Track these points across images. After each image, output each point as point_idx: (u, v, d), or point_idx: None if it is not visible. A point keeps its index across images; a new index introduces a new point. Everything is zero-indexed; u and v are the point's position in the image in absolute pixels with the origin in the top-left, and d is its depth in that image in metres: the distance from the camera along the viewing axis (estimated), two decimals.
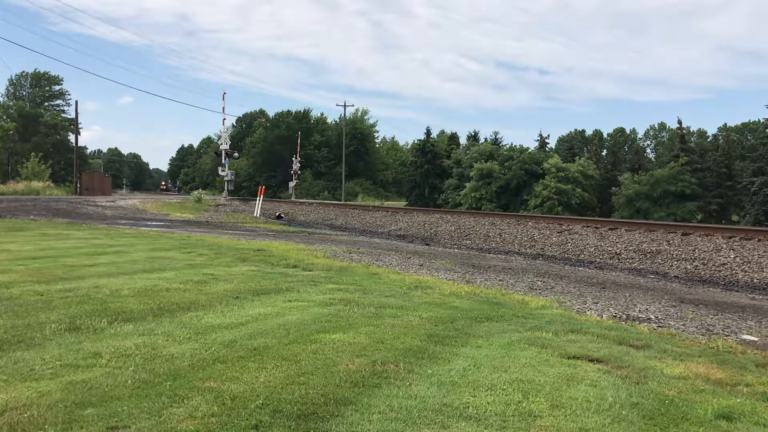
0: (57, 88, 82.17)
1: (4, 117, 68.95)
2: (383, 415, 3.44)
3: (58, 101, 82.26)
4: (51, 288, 6.99)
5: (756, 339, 6.29)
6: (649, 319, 7.16)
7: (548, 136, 74.80)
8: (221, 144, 49.71)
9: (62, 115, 75.86)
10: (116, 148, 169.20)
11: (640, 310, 7.75)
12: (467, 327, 5.89)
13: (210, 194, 59.95)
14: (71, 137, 66.04)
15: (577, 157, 50.62)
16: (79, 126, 62.13)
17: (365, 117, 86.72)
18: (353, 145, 73.93)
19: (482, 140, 60.82)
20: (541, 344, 5.22)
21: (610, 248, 19.05)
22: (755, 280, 14.27)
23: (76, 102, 59.34)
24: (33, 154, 53.34)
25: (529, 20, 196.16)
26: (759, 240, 16.81)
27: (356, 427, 3.28)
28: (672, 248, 17.76)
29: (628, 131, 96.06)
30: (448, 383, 4.06)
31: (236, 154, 61.91)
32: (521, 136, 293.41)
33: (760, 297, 11.33)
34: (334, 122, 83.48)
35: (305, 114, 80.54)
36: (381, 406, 3.57)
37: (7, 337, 4.81)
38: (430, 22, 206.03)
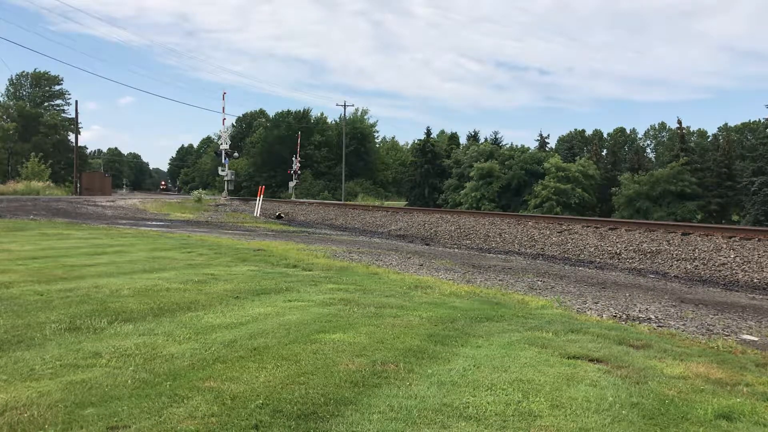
0: (57, 88, 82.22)
1: (4, 117, 68.87)
2: (383, 415, 3.44)
3: (58, 101, 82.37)
4: (51, 288, 6.99)
5: (756, 339, 6.29)
6: (649, 318, 7.16)
7: (548, 136, 74.88)
8: (221, 144, 49.73)
9: (62, 115, 75.88)
10: (116, 148, 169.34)
11: (640, 310, 7.75)
12: (467, 327, 5.89)
13: (210, 194, 59.92)
14: (71, 137, 66.08)
15: (577, 157, 50.66)
16: (79, 126, 62.22)
17: (365, 117, 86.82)
18: (353, 145, 73.94)
19: (482, 140, 60.90)
20: (541, 344, 5.22)
21: (610, 248, 19.05)
22: (755, 280, 14.27)
23: (76, 102, 59.40)
24: (33, 154, 53.36)
25: (529, 20, 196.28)
26: (759, 240, 16.81)
27: (356, 427, 3.28)
28: (672, 248, 17.76)
29: (628, 131, 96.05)
30: (448, 383, 4.06)
31: (236, 154, 61.97)
32: (521, 136, 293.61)
33: (760, 297, 11.33)
34: (334, 122, 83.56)
35: (305, 114, 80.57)
36: (381, 406, 3.57)
37: (7, 337, 4.81)
38: (430, 22, 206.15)
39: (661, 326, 6.69)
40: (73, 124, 61.77)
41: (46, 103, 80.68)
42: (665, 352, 5.19)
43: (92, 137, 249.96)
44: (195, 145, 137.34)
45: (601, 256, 18.50)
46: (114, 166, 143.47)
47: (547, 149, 55.75)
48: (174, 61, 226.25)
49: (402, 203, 58.89)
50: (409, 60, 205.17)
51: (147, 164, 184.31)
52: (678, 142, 46.59)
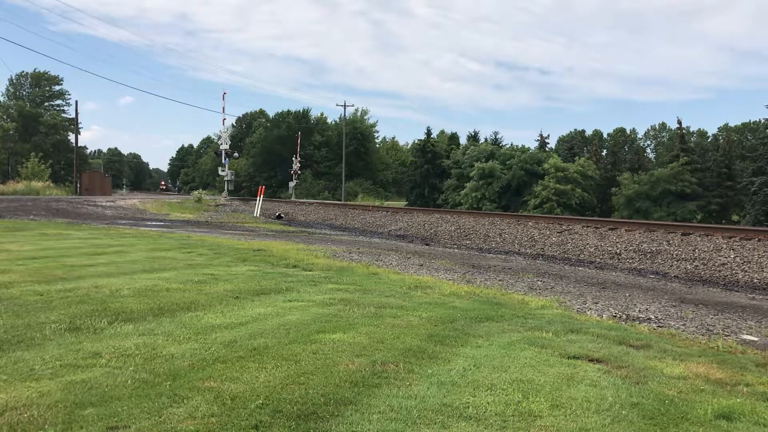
0: (57, 88, 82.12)
1: (4, 117, 68.87)
2: (383, 415, 3.44)
3: (58, 101, 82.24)
4: (51, 288, 6.99)
5: (756, 339, 6.29)
6: (649, 319, 7.16)
7: (548, 136, 74.83)
8: (221, 144, 49.71)
9: (62, 115, 75.79)
10: (116, 148, 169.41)
11: (640, 310, 7.75)
12: (467, 327, 5.89)
13: (210, 194, 59.96)
14: (71, 137, 66.01)
15: (577, 157, 50.65)
16: (79, 126, 62.18)
17: (365, 117, 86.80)
18: (353, 145, 73.93)
19: (482, 140, 60.94)
20: (541, 344, 5.22)
21: (610, 248, 19.05)
22: (755, 280, 14.27)
23: (76, 102, 59.46)
24: (33, 154, 53.39)
25: (529, 20, 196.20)
26: (759, 240, 16.81)
27: (356, 427, 3.28)
28: (672, 248, 17.75)
29: (628, 131, 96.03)
30: (448, 383, 4.06)
31: (236, 154, 61.93)
32: (521, 136, 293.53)
33: (760, 297, 11.33)
34: (334, 122, 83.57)
35: (305, 114, 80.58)
36: (381, 406, 3.57)
37: (7, 337, 4.81)
38: (430, 22, 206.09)
39: (661, 326, 6.69)
40: (73, 124, 61.76)
41: (46, 103, 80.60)
42: (665, 352, 5.19)
43: (92, 137, 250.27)
44: (195, 145, 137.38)
45: (601, 256, 18.50)
46: (114, 166, 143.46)
47: (547, 149, 55.75)
48: (174, 61, 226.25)
49: (402, 203, 58.90)
50: (409, 60, 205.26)
51: (147, 164, 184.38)
52: (678, 142, 46.56)
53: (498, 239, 23.22)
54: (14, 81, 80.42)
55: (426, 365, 4.47)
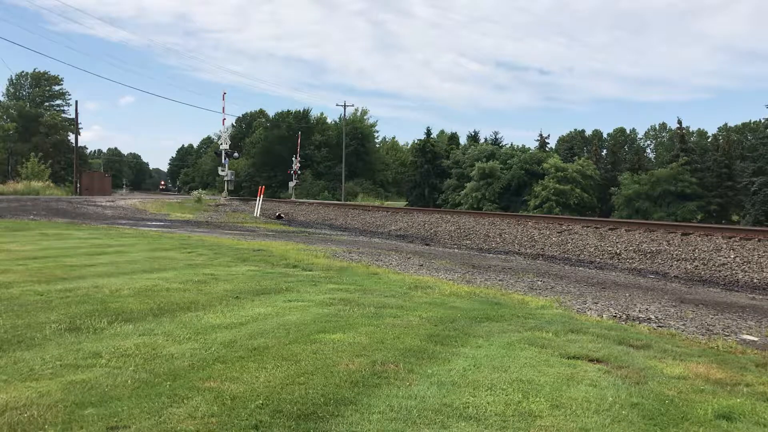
0: (57, 88, 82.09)
1: (4, 117, 68.83)
2: (383, 415, 3.44)
3: (58, 101, 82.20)
4: (51, 288, 6.99)
5: (756, 339, 6.29)
6: (649, 319, 7.16)
7: (548, 136, 74.55)
8: (221, 144, 49.69)
9: (62, 115, 75.75)
10: (116, 148, 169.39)
11: (640, 310, 7.75)
12: (467, 327, 5.89)
13: (210, 194, 59.98)
14: (71, 137, 66.00)
15: (576, 157, 50.65)
16: (79, 126, 62.20)
17: (365, 117, 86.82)
18: (353, 145, 73.93)
19: (482, 140, 60.93)
20: (541, 344, 5.22)
21: (610, 248, 19.05)
22: (755, 280, 14.27)
23: (76, 102, 59.48)
24: (33, 154, 53.34)
25: (529, 20, 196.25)
26: (759, 240, 16.81)
27: (356, 427, 3.28)
28: (672, 248, 17.76)
29: (628, 131, 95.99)
30: (448, 383, 4.06)
31: (236, 154, 61.87)
32: (521, 136, 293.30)
33: (760, 297, 11.33)
34: (334, 122, 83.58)
35: (305, 114, 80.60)
36: (381, 406, 3.57)
37: (7, 337, 4.81)
38: (430, 22, 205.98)
39: (661, 326, 6.69)
40: (73, 124, 61.77)
41: (46, 103, 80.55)
42: (665, 353, 5.19)
43: (92, 137, 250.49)
44: (195, 145, 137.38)
45: (601, 256, 18.50)
46: (114, 166, 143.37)
47: (547, 149, 55.70)
48: (174, 61, 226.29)
49: (402, 203, 58.89)
50: (409, 60, 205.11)
51: (147, 164, 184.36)
52: (678, 142, 46.54)
53: (498, 239, 23.22)
54: (14, 81, 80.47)
55: (426, 365, 4.47)
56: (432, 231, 26.88)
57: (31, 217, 21.99)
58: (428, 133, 62.34)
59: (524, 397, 3.83)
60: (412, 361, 4.55)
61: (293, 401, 3.58)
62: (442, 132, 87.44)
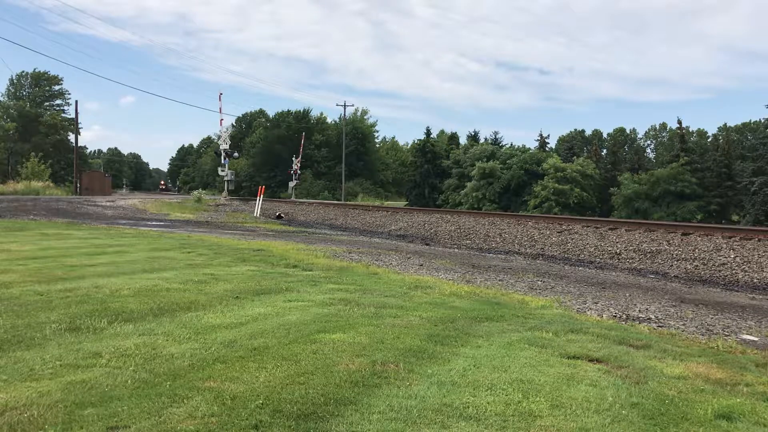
0: (57, 88, 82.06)
1: (4, 117, 68.79)
2: (383, 415, 3.44)
3: (58, 101, 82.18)
4: (51, 288, 6.99)
5: (756, 339, 6.29)
6: (649, 319, 7.16)
7: (548, 136, 74.80)
8: (221, 144, 49.74)
9: (62, 115, 75.75)
10: (116, 148, 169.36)
11: (640, 310, 7.75)
12: (467, 327, 5.89)
13: (210, 194, 59.96)
14: (71, 137, 66.00)
15: (575, 157, 50.65)
16: (79, 126, 62.21)
17: (365, 117, 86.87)
18: (353, 145, 73.95)
19: (482, 140, 60.92)
20: (541, 344, 5.22)
21: (610, 248, 19.05)
22: (755, 280, 14.27)
23: (76, 102, 59.48)
24: (33, 154, 53.34)
25: (529, 20, 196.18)
26: (759, 240, 16.81)
27: (356, 427, 3.28)
28: (672, 248, 17.75)
29: (628, 131, 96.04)
30: (448, 383, 4.06)
31: (236, 154, 61.90)
32: (521, 136, 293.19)
33: (760, 297, 11.33)
34: (334, 122, 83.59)
35: (305, 114, 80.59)
36: (381, 406, 3.57)
37: (7, 337, 4.81)
38: (430, 22, 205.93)
39: (661, 326, 6.69)
40: (73, 124, 61.76)
41: (46, 103, 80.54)
42: (665, 352, 5.19)
43: (92, 137, 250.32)
44: (195, 145, 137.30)
45: (601, 256, 18.50)
46: (114, 166, 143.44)
47: (547, 149, 55.72)
48: (174, 61, 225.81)
49: (402, 203, 58.89)
50: (409, 60, 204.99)
51: (147, 164, 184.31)
52: (678, 142, 46.52)
53: (498, 239, 23.22)
54: (14, 81, 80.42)
55: (426, 365, 4.47)
56: (432, 231, 26.88)
57: (31, 217, 21.99)
58: (428, 133, 62.38)
59: (524, 396, 3.83)
60: (412, 361, 4.55)
61: (293, 401, 3.58)
62: (442, 132, 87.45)
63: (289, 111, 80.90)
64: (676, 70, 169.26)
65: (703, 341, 5.92)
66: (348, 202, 50.61)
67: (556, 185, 43.61)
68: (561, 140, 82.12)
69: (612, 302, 8.43)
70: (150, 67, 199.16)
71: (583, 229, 22.06)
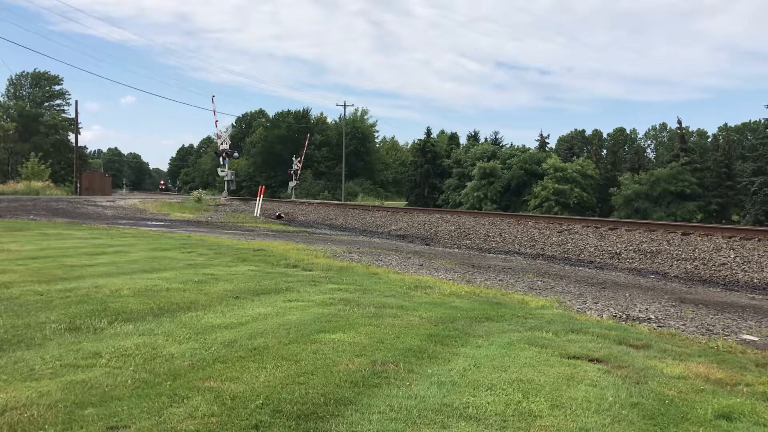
0: (57, 88, 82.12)
1: (4, 117, 68.75)
2: (383, 415, 3.44)
3: (58, 101, 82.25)
4: (51, 288, 6.99)
5: (756, 339, 6.29)
6: (649, 319, 7.16)
7: (548, 136, 74.71)
8: (220, 145, 49.78)
9: (62, 115, 75.78)
10: (116, 148, 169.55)
11: (640, 310, 7.75)
12: (467, 327, 5.89)
13: (210, 194, 60.03)
14: (71, 137, 65.99)
15: (575, 157, 50.65)
16: (79, 126, 62.16)
17: (365, 117, 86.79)
18: (353, 145, 73.93)
19: (482, 140, 60.91)
20: (541, 344, 5.22)
21: (610, 248, 19.05)
22: (755, 280, 14.27)
23: (76, 102, 59.46)
24: (33, 154, 53.35)
25: (529, 20, 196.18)
26: (759, 240, 16.81)
27: (356, 427, 3.28)
28: (672, 248, 17.75)
29: (628, 131, 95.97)
30: (448, 383, 4.06)
31: (236, 154, 61.94)
32: (521, 136, 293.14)
33: (760, 297, 11.33)
34: (334, 122, 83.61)
35: (305, 114, 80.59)
36: (381, 406, 3.57)
37: (7, 337, 4.81)
38: (430, 22, 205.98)
39: (661, 326, 6.69)
40: (73, 124, 61.75)
41: (46, 103, 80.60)
42: (665, 352, 5.19)
43: (92, 137, 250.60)
44: (195, 145, 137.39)
45: (601, 256, 18.50)
46: (114, 166, 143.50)
47: (547, 149, 55.71)
48: (174, 61, 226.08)
49: (402, 203, 58.89)
50: (409, 60, 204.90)
51: (147, 164, 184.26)
52: (678, 142, 46.50)
53: (498, 239, 23.22)
54: (14, 81, 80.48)
55: (426, 365, 4.47)
56: (432, 231, 26.88)
57: (31, 217, 21.99)
58: (428, 133, 62.36)
59: (524, 396, 3.82)
60: (412, 361, 4.55)
61: (293, 401, 3.58)
62: (442, 132, 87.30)
63: (289, 111, 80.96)
64: (676, 70, 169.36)
65: (703, 341, 5.92)
66: (348, 202, 50.61)
67: (556, 185, 43.60)
68: (561, 140, 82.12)
69: (612, 302, 8.43)
70: (150, 67, 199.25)
71: (583, 229, 22.06)
